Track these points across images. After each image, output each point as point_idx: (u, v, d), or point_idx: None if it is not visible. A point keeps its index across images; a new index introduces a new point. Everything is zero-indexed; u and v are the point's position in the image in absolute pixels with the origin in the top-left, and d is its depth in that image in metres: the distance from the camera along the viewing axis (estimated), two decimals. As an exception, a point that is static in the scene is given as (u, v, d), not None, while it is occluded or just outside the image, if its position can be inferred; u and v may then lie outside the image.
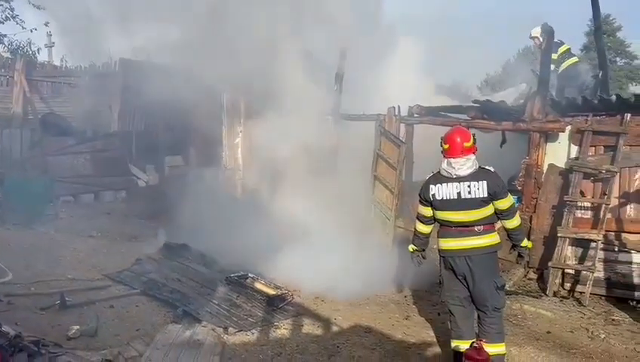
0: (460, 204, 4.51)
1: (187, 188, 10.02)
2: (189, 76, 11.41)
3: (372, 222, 9.38)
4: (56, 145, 11.81)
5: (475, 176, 4.48)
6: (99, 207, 10.54)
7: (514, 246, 4.82)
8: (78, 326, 5.10)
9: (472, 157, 4.54)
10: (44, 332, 4.95)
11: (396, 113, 9.24)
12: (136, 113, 14.01)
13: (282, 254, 8.30)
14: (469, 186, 4.47)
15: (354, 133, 9.84)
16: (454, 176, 4.51)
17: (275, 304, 6.14)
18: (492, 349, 4.36)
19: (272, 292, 6.41)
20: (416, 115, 9.13)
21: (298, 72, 9.79)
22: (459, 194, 4.49)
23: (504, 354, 4.63)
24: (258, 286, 6.56)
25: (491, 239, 4.54)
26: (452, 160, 4.52)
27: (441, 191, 4.56)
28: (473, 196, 4.45)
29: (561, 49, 9.88)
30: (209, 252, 7.90)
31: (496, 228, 4.65)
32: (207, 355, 4.72)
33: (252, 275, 6.83)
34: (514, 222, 4.63)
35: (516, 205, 7.68)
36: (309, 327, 5.66)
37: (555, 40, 9.52)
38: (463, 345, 4.49)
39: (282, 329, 5.56)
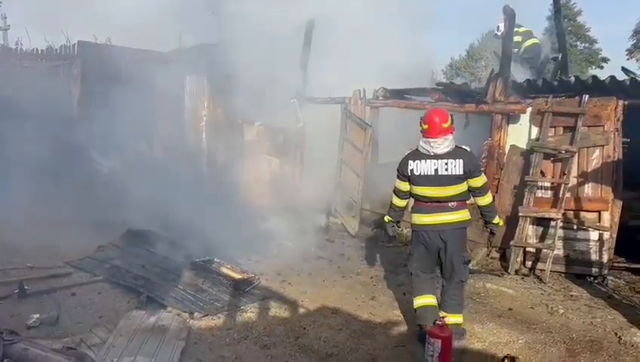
0: (436, 179, 4.73)
1: (151, 174, 9.84)
2: (151, 59, 11.20)
3: (339, 204, 9.44)
4: (13, 130, 11.37)
5: (452, 154, 4.71)
6: (59, 193, 10.23)
7: (486, 223, 5.07)
8: (38, 315, 4.99)
9: (450, 136, 4.76)
10: (3, 321, 4.81)
11: (361, 96, 9.24)
12: (97, 98, 13.61)
13: (248, 237, 8.30)
14: (446, 163, 4.69)
15: (320, 115, 9.83)
16: (432, 154, 4.73)
17: (242, 288, 6.11)
18: (450, 319, 4.71)
19: (238, 276, 6.37)
20: (381, 98, 9.15)
21: (264, 55, 9.71)
22: (436, 170, 4.72)
23: (460, 324, 4.95)
24: (224, 270, 6.51)
25: (463, 215, 4.80)
26: (431, 139, 4.73)
27: (419, 167, 4.78)
28: (450, 173, 4.68)
29: (520, 30, 10.08)
30: (174, 237, 7.81)
31: (468, 206, 4.90)
32: (173, 340, 4.66)
33: (218, 260, 6.77)
34: (486, 200, 4.88)
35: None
36: (276, 310, 5.66)
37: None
38: (424, 300, 4.92)
39: (249, 312, 5.55)
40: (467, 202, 4.90)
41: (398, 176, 5.02)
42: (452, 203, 4.75)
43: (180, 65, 10.66)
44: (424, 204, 4.84)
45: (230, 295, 5.94)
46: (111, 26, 13.18)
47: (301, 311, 5.69)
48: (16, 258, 6.79)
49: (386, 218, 5.42)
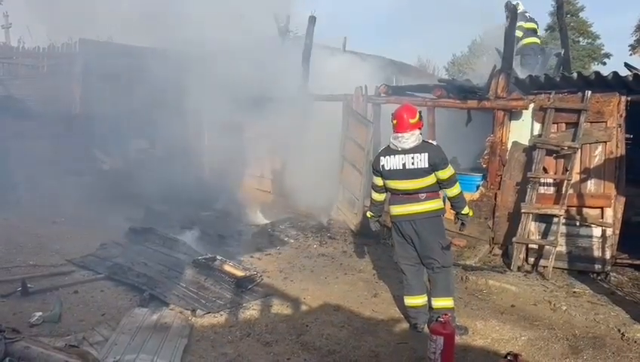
0: (405, 173, 4.99)
1: (153, 172, 9.86)
2: (153, 56, 11.19)
3: (341, 201, 9.43)
4: (16, 128, 11.39)
5: (418, 149, 4.94)
6: (62, 191, 10.28)
7: (457, 215, 5.24)
8: (40, 313, 5.00)
9: (417, 132, 5.00)
10: (5, 319, 4.83)
11: (363, 93, 9.22)
12: (99, 95, 13.60)
13: (250, 235, 8.30)
14: (412, 158, 4.94)
15: (322, 113, 9.81)
16: (400, 149, 4.99)
17: (244, 285, 6.12)
18: (439, 303, 5.01)
19: (240, 273, 6.37)
20: (382, 95, 9.13)
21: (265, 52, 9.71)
22: (404, 165, 4.98)
23: (451, 308, 5.03)
24: (226, 268, 6.51)
25: (434, 205, 5.02)
26: (399, 134, 5.00)
27: (389, 163, 5.06)
28: (416, 166, 4.93)
29: (527, 25, 10.04)
30: (176, 235, 7.82)
31: (440, 196, 5.12)
32: (175, 338, 4.67)
33: (220, 257, 6.77)
34: (454, 191, 5.05)
35: (477, 182, 7.85)
36: (278, 307, 5.67)
37: (527, 14, 9.76)
38: (414, 300, 5.20)
39: (251, 310, 5.55)
40: (440, 192, 5.11)
41: (373, 172, 5.35)
42: (422, 194, 4.97)
43: (181, 63, 10.64)
44: (397, 196, 5.12)
45: (232, 292, 5.95)
46: (113, 24, 13.16)
47: (303, 308, 5.69)
48: (18, 256, 6.81)
49: (368, 213, 5.72)
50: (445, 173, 4.94)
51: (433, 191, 5.01)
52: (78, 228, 8.16)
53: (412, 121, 4.96)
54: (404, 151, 4.96)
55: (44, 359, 3.32)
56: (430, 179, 4.94)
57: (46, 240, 7.46)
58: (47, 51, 14.13)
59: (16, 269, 6.33)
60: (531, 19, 10.33)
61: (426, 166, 4.89)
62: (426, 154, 4.89)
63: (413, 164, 4.92)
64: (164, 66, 10.47)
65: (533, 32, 10.45)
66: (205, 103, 10.52)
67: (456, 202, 5.11)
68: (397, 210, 5.09)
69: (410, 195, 5.01)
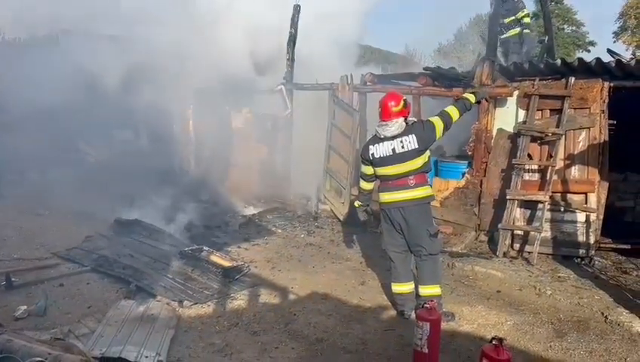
0: (395, 158, 5.00)
1: (137, 163, 9.77)
2: (137, 46, 11.05)
3: (328, 191, 9.44)
4: (-3, 121, 11.20)
5: (404, 133, 4.97)
6: (46, 184, 10.16)
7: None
8: (25, 306, 4.94)
9: (401, 119, 5.01)
10: (-11, 313, 4.79)
11: (349, 82, 9.19)
12: (82, 86, 13.39)
13: (237, 225, 8.27)
14: (401, 142, 4.96)
15: (308, 102, 9.79)
16: (388, 136, 5.00)
17: (231, 276, 6.10)
18: (427, 290, 5.06)
19: (227, 264, 6.35)
20: (368, 83, 9.11)
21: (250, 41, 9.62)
22: (393, 150, 4.99)
23: (439, 295, 5.10)
24: (213, 258, 6.49)
25: (422, 192, 5.02)
26: (384, 122, 5.05)
27: (379, 150, 5.07)
28: (407, 149, 4.95)
29: (521, 13, 10.07)
30: (162, 226, 7.78)
31: (429, 182, 5.16)
32: (162, 329, 4.64)
33: (207, 248, 6.76)
34: (455, 117, 5.11)
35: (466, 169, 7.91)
36: (266, 297, 5.66)
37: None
38: (401, 287, 5.25)
39: (239, 300, 5.54)
40: (427, 178, 5.14)
41: (362, 161, 5.34)
42: (411, 180, 4.96)
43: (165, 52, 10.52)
44: (387, 183, 5.12)
45: (220, 283, 5.94)
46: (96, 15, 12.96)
47: (291, 297, 5.70)
48: (2, 249, 6.71)
49: (356, 203, 5.73)
50: (439, 126, 4.98)
51: (423, 173, 5.03)
52: (63, 221, 8.06)
53: (395, 109, 4.98)
54: (392, 137, 4.97)
55: (27, 352, 3.29)
56: (421, 160, 4.97)
57: (30, 233, 7.37)
58: (28, 42, 13.85)
59: (0, 263, 6.24)
60: (524, 6, 10.38)
61: (417, 146, 4.90)
62: (413, 135, 4.92)
63: (403, 147, 4.93)
64: (147, 55, 10.36)
65: (517, 21, 10.47)
66: (189, 92, 10.44)
67: (462, 111, 5.17)
68: (386, 197, 5.10)
69: (400, 181, 5.00)
